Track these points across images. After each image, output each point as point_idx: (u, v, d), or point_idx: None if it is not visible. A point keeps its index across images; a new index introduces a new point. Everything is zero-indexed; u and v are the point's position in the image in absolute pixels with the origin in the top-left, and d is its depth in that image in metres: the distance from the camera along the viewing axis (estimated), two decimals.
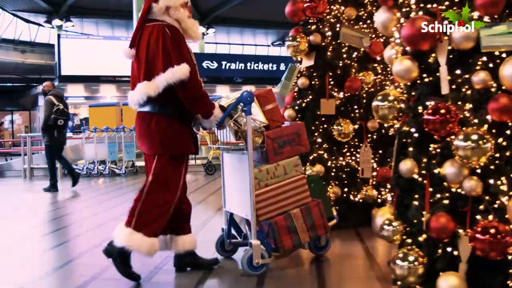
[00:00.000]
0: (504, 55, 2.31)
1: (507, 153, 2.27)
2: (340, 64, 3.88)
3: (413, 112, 2.47)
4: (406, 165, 2.41)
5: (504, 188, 2.23)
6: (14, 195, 8.32)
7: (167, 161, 2.99)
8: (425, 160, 2.42)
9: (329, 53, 3.87)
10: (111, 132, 10.33)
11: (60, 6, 21.20)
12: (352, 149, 4.00)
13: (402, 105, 2.53)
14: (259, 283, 2.97)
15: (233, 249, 3.47)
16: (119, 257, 2.97)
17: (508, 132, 2.26)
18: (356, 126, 3.95)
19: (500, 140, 2.27)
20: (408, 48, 2.54)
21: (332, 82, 3.88)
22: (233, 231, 3.48)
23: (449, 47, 2.43)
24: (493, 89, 2.32)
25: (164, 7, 2.98)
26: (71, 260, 3.74)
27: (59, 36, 20.80)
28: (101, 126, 10.57)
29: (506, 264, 2.16)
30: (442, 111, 2.32)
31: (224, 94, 3.69)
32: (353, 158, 4.00)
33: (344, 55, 3.89)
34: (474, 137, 2.20)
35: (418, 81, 2.52)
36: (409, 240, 2.44)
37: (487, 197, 2.25)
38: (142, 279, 3.06)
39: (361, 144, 3.96)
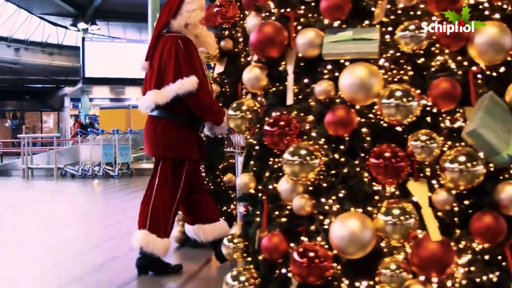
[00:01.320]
0: (347, 63, 2.13)
1: (345, 170, 2.09)
2: None
3: (260, 123, 2.33)
4: (243, 179, 2.27)
5: (335, 207, 2.05)
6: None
7: (169, 164, 3.17)
8: (267, 174, 2.27)
9: (242, 59, 3.74)
10: (106, 134, 10.46)
11: (86, 9, 21.75)
12: None
13: (251, 116, 2.38)
14: None
15: None
16: (152, 261, 3.15)
17: (342, 147, 2.09)
18: None
19: (337, 156, 2.10)
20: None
21: (245, 90, 3.75)
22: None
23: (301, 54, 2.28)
24: (338, 100, 2.15)
25: (184, 24, 3.17)
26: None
27: (83, 39, 21.36)
28: (110, 129, 10.73)
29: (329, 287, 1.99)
30: (282, 123, 2.18)
31: None
32: None
33: None
34: (302, 152, 2.04)
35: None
36: (249, 259, 2.29)
37: (321, 217, 2.09)
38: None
39: None
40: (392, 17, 2.12)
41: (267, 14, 2.44)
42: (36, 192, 8.56)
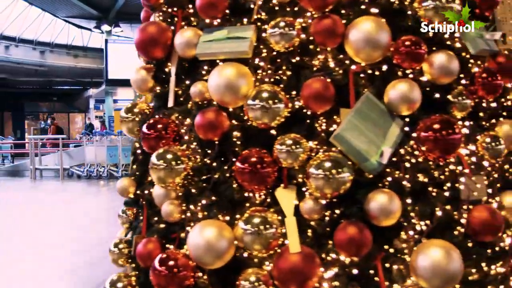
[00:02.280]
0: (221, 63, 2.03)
1: (216, 176, 1.99)
2: None
3: None
4: (122, 183, 2.20)
5: (201, 214, 1.96)
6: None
7: None
8: (149, 179, 2.20)
9: None
10: (113, 136, 10.59)
11: (109, 12, 22.07)
12: None
13: (139, 119, 2.31)
14: None
15: None
16: None
17: (210, 151, 1.99)
18: None
19: (208, 160, 2.01)
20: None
21: None
22: None
23: None
24: (215, 102, 2.05)
25: None
26: None
27: (106, 41, 21.66)
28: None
29: None
30: (159, 126, 2.10)
31: None
32: None
33: None
34: (169, 156, 1.96)
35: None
36: (134, 265, 2.22)
37: (191, 224, 2.00)
38: None
39: None
40: (264, 13, 2.01)
41: (161, 13, 2.35)
42: (38, 192, 8.71)
